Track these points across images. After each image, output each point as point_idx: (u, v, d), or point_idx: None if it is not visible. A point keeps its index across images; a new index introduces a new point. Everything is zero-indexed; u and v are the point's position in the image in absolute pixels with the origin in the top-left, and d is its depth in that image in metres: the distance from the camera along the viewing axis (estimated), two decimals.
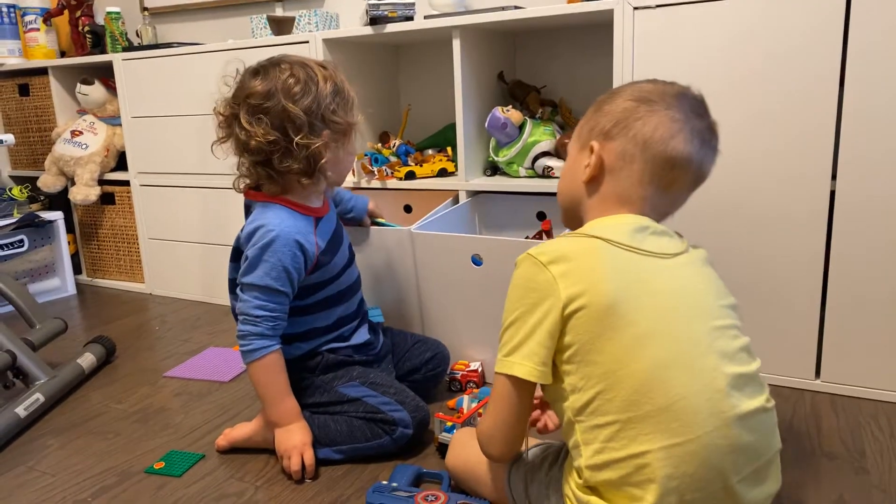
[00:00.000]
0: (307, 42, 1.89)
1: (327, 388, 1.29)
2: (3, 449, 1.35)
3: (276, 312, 1.21)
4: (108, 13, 2.35)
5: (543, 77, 1.96)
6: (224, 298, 2.20)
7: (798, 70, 1.33)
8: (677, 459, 0.77)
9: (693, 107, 0.91)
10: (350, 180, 1.88)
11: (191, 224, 2.25)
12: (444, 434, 1.23)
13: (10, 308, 1.80)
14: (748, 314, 1.26)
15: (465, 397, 1.33)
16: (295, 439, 1.20)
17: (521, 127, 1.75)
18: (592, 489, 0.83)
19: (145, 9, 2.47)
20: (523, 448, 0.99)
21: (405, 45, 2.17)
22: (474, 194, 1.79)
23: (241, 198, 1.33)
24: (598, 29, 1.82)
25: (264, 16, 2.11)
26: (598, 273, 0.83)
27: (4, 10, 2.50)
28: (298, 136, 1.18)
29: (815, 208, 1.36)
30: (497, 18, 1.63)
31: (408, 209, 1.88)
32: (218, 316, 2.13)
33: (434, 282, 1.55)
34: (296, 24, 2.07)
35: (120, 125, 2.35)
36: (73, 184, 2.36)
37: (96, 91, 2.31)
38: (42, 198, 2.53)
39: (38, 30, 2.54)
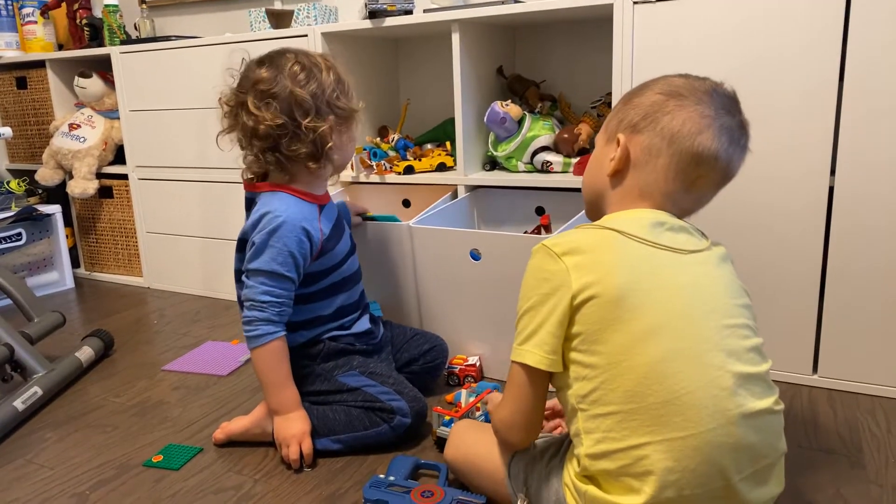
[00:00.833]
0: (306, 35, 1.88)
1: (328, 377, 1.30)
2: (2, 442, 1.35)
3: (283, 298, 1.23)
4: (106, 6, 2.34)
5: (543, 72, 1.96)
6: (222, 292, 2.22)
7: (798, 66, 1.33)
8: (678, 453, 0.77)
9: (724, 103, 0.90)
10: (349, 174, 1.88)
11: (189, 218, 2.25)
12: (442, 428, 1.23)
13: (8, 301, 1.80)
14: None
15: (463, 391, 1.33)
16: (294, 428, 1.21)
17: (521, 122, 1.74)
18: (590, 478, 0.84)
19: (143, 2, 2.46)
20: None
21: (404, 38, 2.16)
22: (473, 189, 1.79)
23: (240, 191, 1.32)
24: (598, 23, 1.82)
25: (263, 9, 2.10)
26: (610, 264, 0.83)
27: (2, 2, 2.49)
28: (306, 120, 1.22)
29: (814, 203, 1.37)
30: (497, 12, 1.63)
31: (406, 204, 1.88)
32: (216, 310, 2.13)
33: (432, 276, 1.55)
34: (294, 17, 2.06)
35: (118, 118, 2.34)
36: (72, 177, 2.35)
37: (94, 84, 2.30)
38: (40, 191, 2.52)
39: (35, 22, 2.53)
